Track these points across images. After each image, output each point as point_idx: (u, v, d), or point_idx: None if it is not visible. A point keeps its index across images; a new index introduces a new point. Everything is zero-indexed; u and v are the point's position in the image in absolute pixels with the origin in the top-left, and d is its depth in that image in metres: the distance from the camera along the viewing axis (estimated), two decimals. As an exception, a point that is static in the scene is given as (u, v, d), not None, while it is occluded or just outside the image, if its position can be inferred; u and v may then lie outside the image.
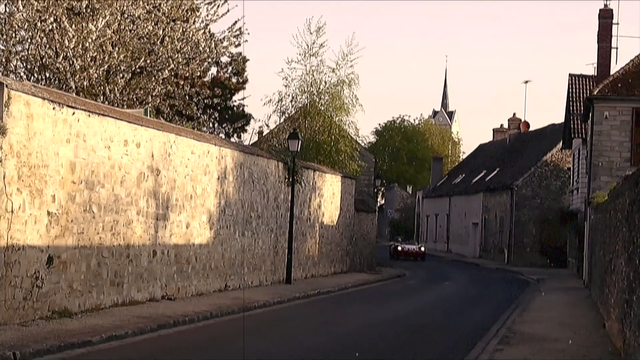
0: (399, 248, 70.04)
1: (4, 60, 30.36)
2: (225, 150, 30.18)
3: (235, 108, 51.53)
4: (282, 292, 31.15)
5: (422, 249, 70.37)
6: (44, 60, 30.18)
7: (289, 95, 50.26)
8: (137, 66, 32.20)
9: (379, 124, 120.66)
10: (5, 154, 18.42)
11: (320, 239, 42.27)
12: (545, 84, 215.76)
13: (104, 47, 30.74)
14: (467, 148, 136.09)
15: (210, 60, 36.11)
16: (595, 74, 44.47)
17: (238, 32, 34.86)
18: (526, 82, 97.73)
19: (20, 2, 29.23)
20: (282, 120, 50.93)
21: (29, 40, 30.26)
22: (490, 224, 71.85)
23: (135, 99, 32.69)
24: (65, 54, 29.79)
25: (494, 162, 78.29)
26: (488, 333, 22.11)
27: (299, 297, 30.75)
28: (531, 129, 78.64)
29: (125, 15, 31.48)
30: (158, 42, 32.42)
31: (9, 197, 18.56)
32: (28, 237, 19.26)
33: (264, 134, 53.29)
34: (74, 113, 20.89)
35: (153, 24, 32.18)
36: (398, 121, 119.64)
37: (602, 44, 43.04)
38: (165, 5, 32.44)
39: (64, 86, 29.52)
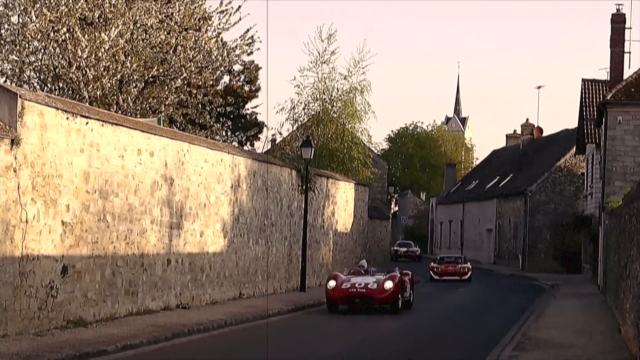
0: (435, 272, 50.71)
1: (17, 70, 30.49)
2: (239, 159, 30.22)
3: (248, 116, 51.62)
4: (297, 300, 31.14)
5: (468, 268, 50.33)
6: (57, 70, 30.29)
7: (301, 103, 50.39)
8: (149, 75, 32.28)
9: (392, 131, 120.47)
10: (19, 164, 18.49)
11: (334, 247, 42.26)
12: (558, 89, 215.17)
13: (116, 57, 30.84)
14: (480, 154, 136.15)
15: (222, 68, 36.16)
16: (608, 79, 44.32)
17: (250, 41, 34.92)
18: (539, 87, 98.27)
19: (33, 12, 29.35)
20: (294, 128, 50.99)
21: (42, 50, 30.38)
22: (504, 230, 71.67)
23: (148, 108, 32.78)
24: (78, 64, 29.90)
25: (507, 168, 78.08)
26: (503, 339, 22.03)
27: (313, 304, 30.72)
28: (544, 134, 78.44)
29: (138, 25, 31.57)
30: (171, 51, 32.50)
31: (23, 207, 18.63)
32: (43, 247, 19.32)
33: (277, 142, 53.35)
34: (87, 123, 20.96)
35: (165, 33, 32.27)
36: (411, 128, 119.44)
37: (615, 48, 42.93)
38: (177, 14, 32.52)
39: (77, 96, 29.61)
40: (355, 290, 28.22)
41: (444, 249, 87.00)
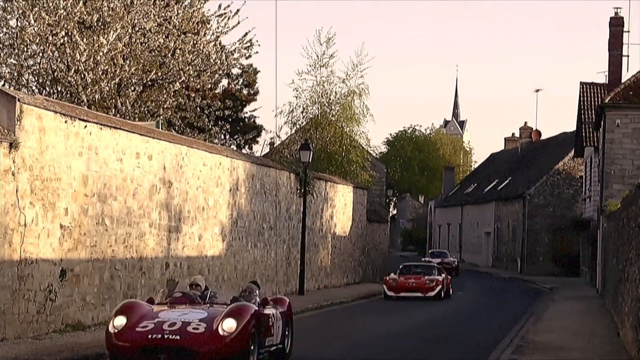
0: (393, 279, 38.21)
1: (16, 74, 30.48)
2: (237, 162, 30.22)
3: (246, 119, 51.65)
4: (295, 303, 31.07)
5: (439, 278, 37.87)
6: (55, 74, 30.28)
7: (299, 107, 50.41)
8: (148, 79, 32.28)
9: (390, 134, 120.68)
10: (17, 167, 18.48)
11: (332, 250, 42.25)
12: (557, 93, 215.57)
13: (115, 60, 30.83)
14: (478, 157, 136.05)
15: (221, 72, 36.15)
16: (607, 82, 44.37)
17: (249, 44, 34.93)
18: (537, 90, 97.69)
19: (31, 16, 29.35)
20: (293, 131, 51.02)
21: (41, 54, 30.37)
22: (502, 233, 71.70)
23: (146, 112, 32.77)
24: (76, 67, 29.90)
25: (505, 171, 78.13)
26: (502, 342, 22.04)
27: (311, 308, 30.72)
28: (543, 137, 78.50)
29: (136, 28, 31.57)
30: (169, 55, 32.51)
31: (22, 210, 18.62)
32: (41, 251, 19.31)
33: (275, 145, 53.37)
34: (85, 126, 20.96)
35: (164, 36, 32.27)
36: (409, 131, 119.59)
37: (613, 52, 42.98)
38: (176, 18, 32.52)
39: (75, 99, 29.61)
40: (160, 336, 15.12)
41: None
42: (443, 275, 38.53)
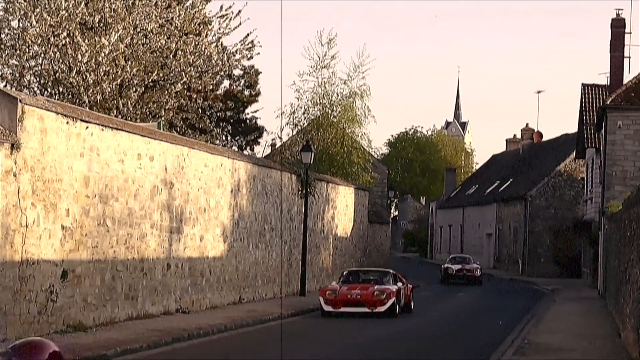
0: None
1: (17, 75, 30.52)
2: (239, 163, 30.23)
3: (248, 121, 51.68)
4: (296, 305, 31.14)
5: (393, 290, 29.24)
6: (57, 75, 30.31)
7: (301, 108, 50.39)
8: (150, 80, 32.31)
9: (392, 135, 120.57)
10: (19, 168, 18.49)
11: (333, 251, 42.25)
12: (558, 94, 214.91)
13: (116, 61, 30.86)
14: (480, 159, 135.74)
15: (222, 73, 36.21)
16: (608, 84, 44.32)
17: (250, 45, 34.96)
18: (539, 92, 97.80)
19: (33, 17, 29.37)
20: (294, 132, 51.02)
21: (43, 55, 30.41)
22: (504, 235, 71.66)
23: (148, 113, 32.80)
24: (78, 68, 29.92)
25: (507, 172, 78.08)
26: (503, 344, 22.04)
27: (313, 309, 30.71)
28: (544, 139, 78.39)
29: (138, 29, 31.61)
30: (171, 56, 32.55)
31: (23, 211, 18.63)
32: (42, 252, 19.32)
33: (276, 147, 53.37)
34: (87, 127, 20.97)
35: (166, 37, 32.31)
36: (411, 132, 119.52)
37: (615, 53, 42.94)
38: (177, 19, 32.57)
39: (77, 100, 29.64)
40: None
41: (444, 253, 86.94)
42: (400, 284, 30.29)
